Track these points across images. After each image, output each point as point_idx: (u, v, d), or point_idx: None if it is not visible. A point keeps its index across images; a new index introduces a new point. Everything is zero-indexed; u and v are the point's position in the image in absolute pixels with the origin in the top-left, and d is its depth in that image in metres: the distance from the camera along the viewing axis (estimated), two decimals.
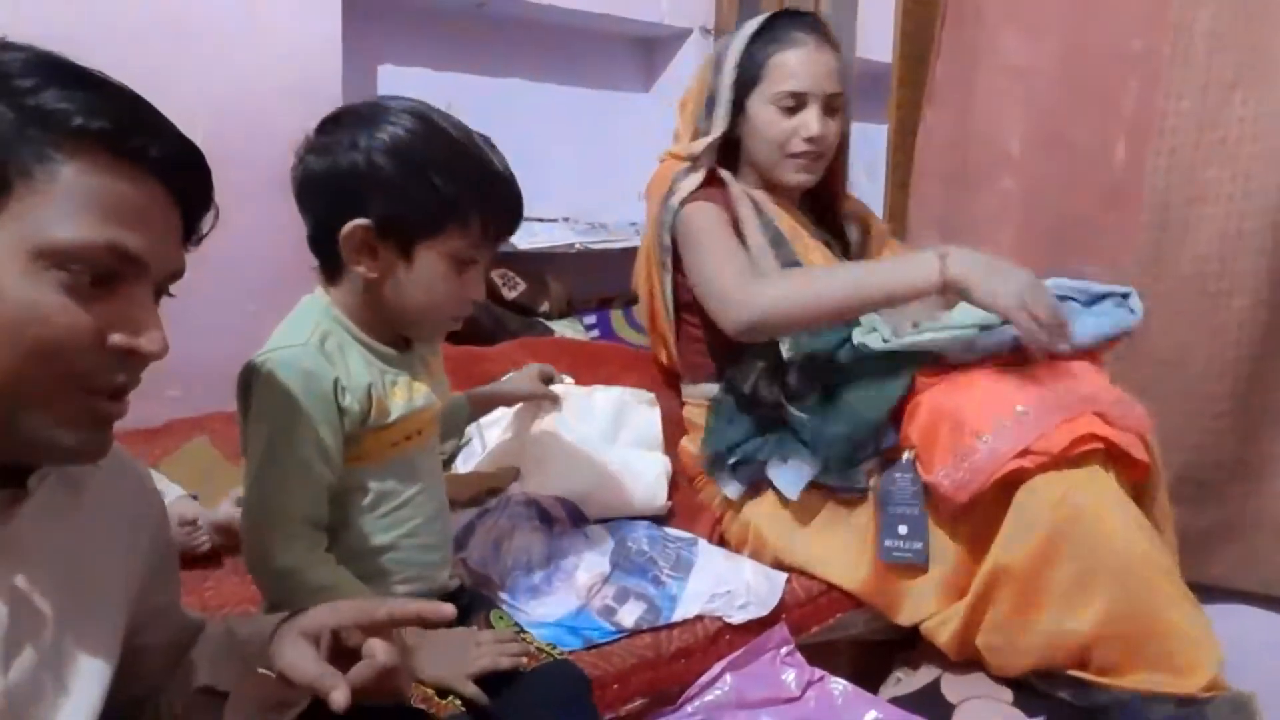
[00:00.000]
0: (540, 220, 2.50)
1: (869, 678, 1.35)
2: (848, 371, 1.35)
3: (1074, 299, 1.33)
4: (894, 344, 1.31)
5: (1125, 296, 1.33)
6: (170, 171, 0.70)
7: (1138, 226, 1.73)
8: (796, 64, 1.49)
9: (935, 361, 1.30)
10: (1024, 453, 1.18)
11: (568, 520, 1.30)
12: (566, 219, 2.58)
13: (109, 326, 0.68)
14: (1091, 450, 1.18)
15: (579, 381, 1.67)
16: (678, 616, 1.20)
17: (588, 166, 2.69)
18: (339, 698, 0.70)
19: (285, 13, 1.93)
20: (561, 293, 2.39)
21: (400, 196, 0.91)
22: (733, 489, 1.43)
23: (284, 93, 1.92)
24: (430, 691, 0.93)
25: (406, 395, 0.99)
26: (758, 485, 1.41)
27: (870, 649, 1.38)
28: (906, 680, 1.29)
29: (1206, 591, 1.23)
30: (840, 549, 1.33)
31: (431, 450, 1.08)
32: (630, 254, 2.46)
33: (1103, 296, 1.34)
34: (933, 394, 1.27)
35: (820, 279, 1.32)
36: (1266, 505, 1.65)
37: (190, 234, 0.75)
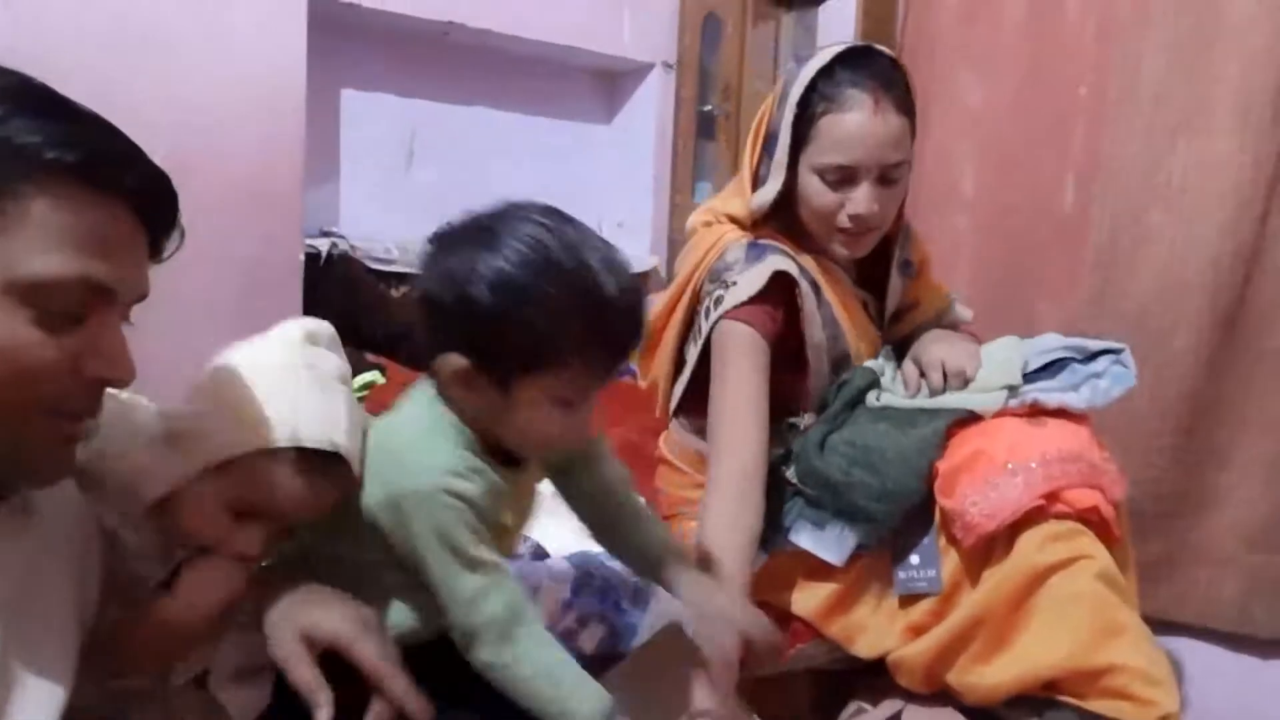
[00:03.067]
0: None
1: (828, 709, 1.37)
2: (867, 430, 1.32)
3: (1073, 359, 1.34)
4: (936, 403, 1.31)
5: (1118, 353, 1.33)
6: (140, 199, 0.70)
7: (1084, 265, 1.78)
8: (847, 132, 1.29)
9: (966, 416, 1.29)
10: (1050, 497, 1.19)
11: (528, 556, 1.30)
12: None
13: (81, 356, 0.69)
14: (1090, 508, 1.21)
15: None
16: (636, 643, 1.21)
17: (549, 196, 2.68)
18: (324, 716, 0.79)
19: (249, 34, 1.92)
20: None
21: (497, 334, 0.86)
22: (755, 561, 1.26)
23: (247, 113, 1.92)
24: None
25: (503, 517, 0.95)
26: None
27: (830, 679, 1.39)
28: (867, 714, 1.30)
29: (1149, 623, 1.26)
30: (799, 582, 1.34)
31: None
32: None
33: (1098, 354, 1.34)
34: (968, 435, 1.27)
35: (719, 541, 1.18)
36: (1206, 539, 1.70)
37: (155, 252, 0.75)
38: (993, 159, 1.95)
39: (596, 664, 1.19)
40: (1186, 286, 1.66)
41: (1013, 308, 1.86)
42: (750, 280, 1.32)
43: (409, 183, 2.50)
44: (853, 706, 1.35)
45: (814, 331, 1.37)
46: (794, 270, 1.35)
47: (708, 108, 2.70)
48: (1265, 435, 1.65)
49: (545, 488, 1.45)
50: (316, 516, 0.90)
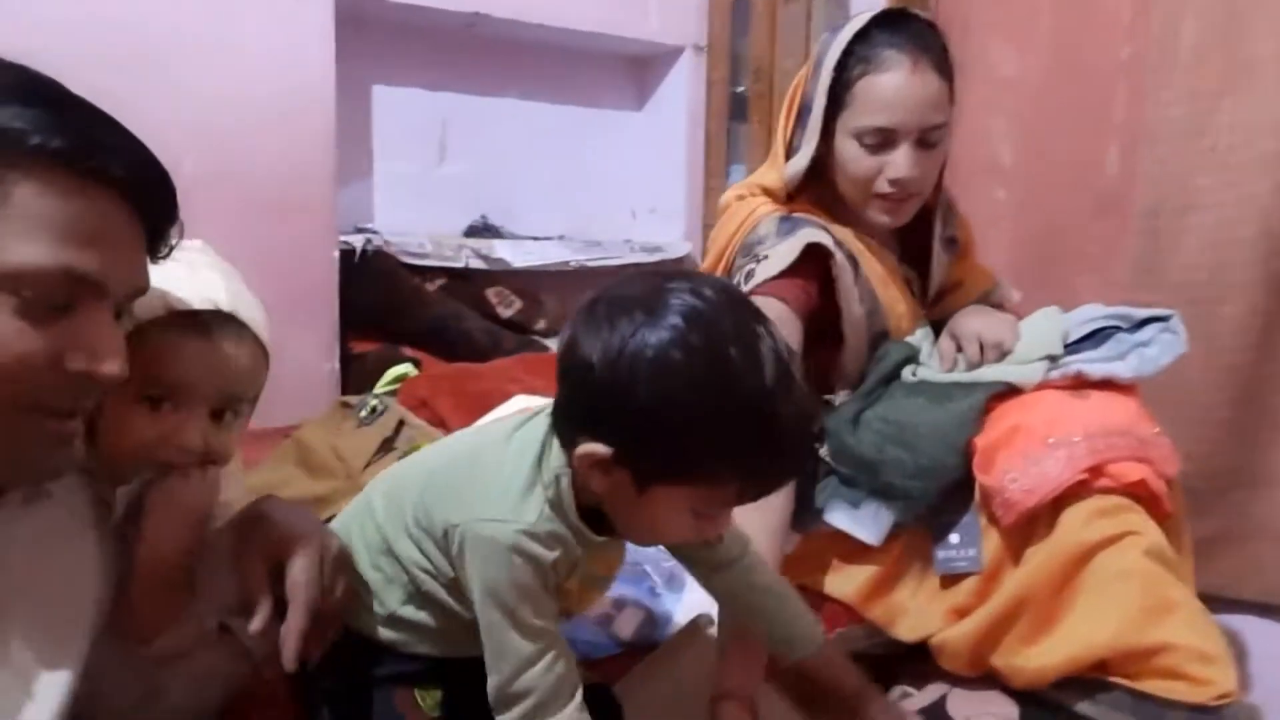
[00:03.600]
0: (534, 239, 2.51)
1: None
2: (902, 406, 1.29)
3: (1119, 326, 1.30)
4: (974, 376, 1.28)
5: (1166, 320, 1.28)
6: (131, 188, 0.69)
7: (1128, 235, 1.73)
8: (885, 93, 1.26)
9: (1004, 389, 1.26)
10: (1095, 472, 1.16)
11: None
12: (561, 237, 2.59)
13: (66, 350, 0.67)
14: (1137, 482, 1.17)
15: None
16: (673, 629, 1.20)
17: (581, 185, 2.71)
18: (256, 623, 0.82)
19: (279, 36, 1.94)
20: (557, 310, 2.40)
21: (652, 434, 0.77)
22: (789, 542, 1.28)
23: (278, 116, 1.94)
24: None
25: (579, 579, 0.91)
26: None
27: (870, 662, 1.36)
28: (912, 698, 1.28)
29: (1206, 600, 1.22)
30: (835, 564, 1.32)
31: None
32: (626, 271, 2.48)
33: (1145, 321, 1.29)
34: (1007, 409, 1.24)
35: (748, 521, 1.10)
36: (1266, 512, 1.64)
37: (156, 247, 0.74)
38: (1030, 130, 1.90)
39: (634, 649, 1.19)
40: (1236, 252, 1.60)
41: (1054, 281, 1.81)
42: (782, 253, 1.29)
43: (441, 176, 2.51)
44: (897, 691, 1.32)
45: (851, 306, 1.33)
46: (829, 242, 1.31)
47: (740, 89, 2.68)
48: None
49: None
50: (237, 386, 0.88)
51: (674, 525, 0.83)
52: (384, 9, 2.20)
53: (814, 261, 1.30)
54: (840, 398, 1.37)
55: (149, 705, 0.93)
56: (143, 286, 0.73)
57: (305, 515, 0.91)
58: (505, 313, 2.31)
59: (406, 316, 2.11)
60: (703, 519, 0.83)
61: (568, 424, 0.82)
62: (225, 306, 0.86)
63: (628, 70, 2.80)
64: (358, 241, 2.12)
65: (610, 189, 2.76)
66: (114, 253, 0.68)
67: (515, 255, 2.32)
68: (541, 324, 2.36)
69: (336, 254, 2.05)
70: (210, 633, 0.88)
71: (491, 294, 2.30)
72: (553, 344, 2.32)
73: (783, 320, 1.25)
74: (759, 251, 1.31)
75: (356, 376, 1.99)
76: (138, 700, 0.92)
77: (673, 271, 0.84)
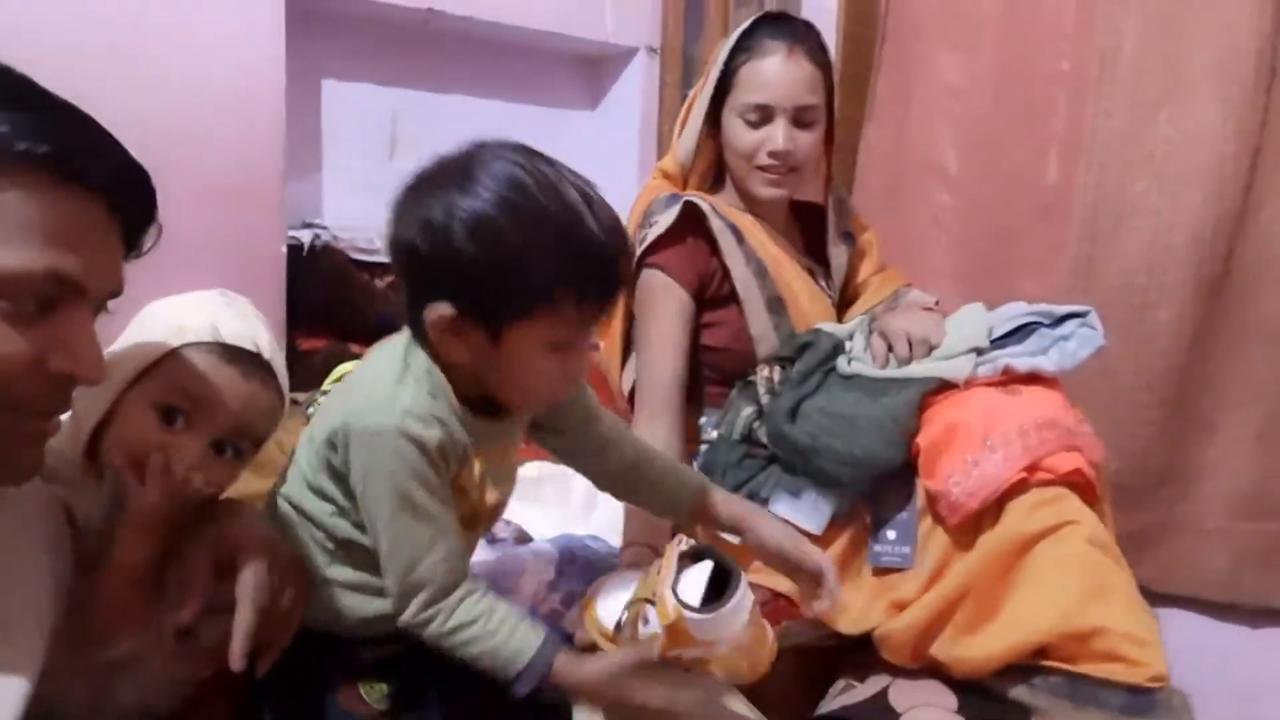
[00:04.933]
0: None
1: (815, 685, 1.36)
2: (841, 399, 1.35)
3: (1040, 322, 1.36)
4: (906, 372, 1.34)
5: (1084, 315, 1.35)
6: (113, 192, 0.70)
7: (1068, 240, 1.78)
8: (764, 75, 1.47)
9: (937, 386, 1.32)
10: (1031, 468, 1.20)
11: (510, 540, 1.29)
12: None
13: (48, 351, 0.68)
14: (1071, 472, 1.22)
15: None
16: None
17: None
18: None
19: (226, 26, 1.91)
20: None
21: (482, 281, 0.83)
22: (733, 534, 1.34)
23: (226, 107, 1.90)
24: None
25: (479, 477, 0.94)
26: None
27: (816, 656, 1.39)
28: (855, 689, 1.30)
29: None
30: None
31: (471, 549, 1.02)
32: None
33: (1065, 317, 1.36)
34: (942, 409, 1.29)
35: None
36: (1192, 509, 1.70)
37: (131, 248, 0.75)
38: (975, 137, 1.95)
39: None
40: (1171, 258, 1.66)
41: (997, 284, 1.85)
42: (666, 218, 1.47)
43: (392, 172, 2.47)
44: (840, 684, 1.35)
45: (737, 266, 1.48)
46: (706, 208, 1.48)
47: (691, 92, 2.69)
48: (1251, 404, 1.65)
49: (526, 472, 1.45)
50: (251, 423, 0.92)
51: (539, 369, 0.88)
52: (336, 3, 2.18)
53: (698, 228, 1.48)
54: (762, 374, 1.44)
55: (100, 707, 0.92)
56: (118, 287, 0.74)
57: (260, 523, 0.92)
58: None
59: (355, 312, 2.09)
60: (563, 355, 0.88)
61: (413, 307, 0.88)
62: (265, 353, 0.94)
63: (581, 70, 2.80)
64: (306, 236, 2.09)
65: None
66: (95, 255, 0.69)
67: None
68: None
69: (284, 248, 2.02)
70: (168, 637, 0.87)
71: None
72: None
73: (666, 288, 1.46)
74: (649, 221, 1.50)
75: (304, 373, 1.96)
76: (88, 701, 0.91)
77: (475, 140, 0.91)
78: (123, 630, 0.84)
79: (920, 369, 1.34)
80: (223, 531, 0.87)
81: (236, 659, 0.81)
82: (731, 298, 1.50)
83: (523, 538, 1.31)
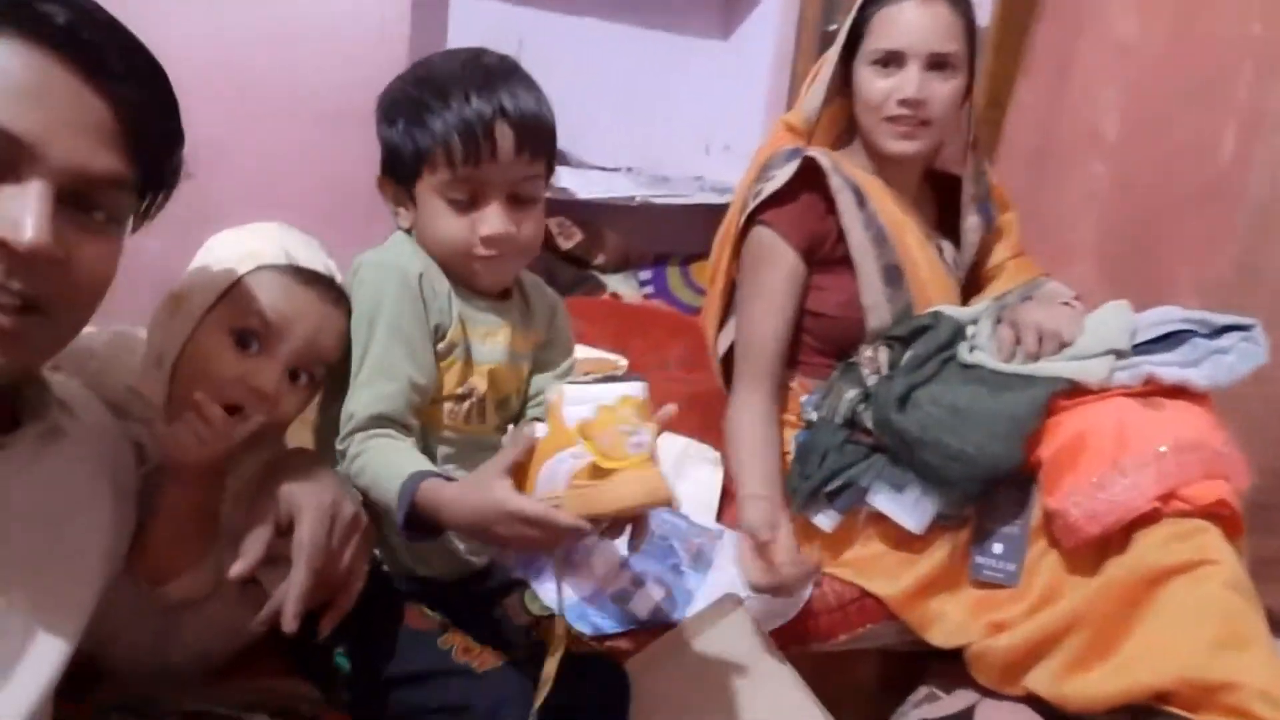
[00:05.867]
0: (601, 169, 2.42)
1: (896, 688, 1.30)
2: (957, 390, 1.25)
3: (1194, 331, 1.21)
4: (1034, 369, 1.22)
5: (1248, 330, 1.21)
6: (80, 50, 0.63)
7: (1236, 228, 1.60)
8: (896, 19, 1.35)
9: (1070, 386, 1.20)
10: (1167, 496, 1.10)
11: None
12: (629, 169, 2.50)
13: None
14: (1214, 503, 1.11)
15: (623, 348, 1.62)
16: (693, 611, 1.16)
17: (656, 115, 2.60)
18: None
19: None
20: (618, 246, 2.33)
21: (390, 149, 0.97)
22: (827, 519, 1.29)
23: (352, 27, 1.88)
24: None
25: (488, 340, 0.99)
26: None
27: (900, 657, 1.32)
28: (939, 702, 1.23)
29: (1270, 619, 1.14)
30: (880, 555, 1.27)
31: (489, 441, 1.02)
32: (693, 211, 2.39)
33: (1225, 329, 1.21)
34: (1071, 416, 1.18)
35: (740, 453, 1.34)
36: None
37: (141, 139, 0.67)
38: (1141, 102, 1.76)
39: (649, 628, 1.16)
40: None
41: (1146, 272, 1.69)
42: (784, 173, 1.37)
43: None
44: (923, 691, 1.27)
45: (854, 229, 1.37)
46: (827, 165, 1.37)
47: (832, 28, 2.53)
48: None
49: None
50: (325, 347, 0.92)
51: (444, 226, 0.95)
52: None
53: (816, 185, 1.38)
54: (866, 354, 1.34)
55: (162, 647, 0.93)
56: (101, 172, 0.65)
57: (326, 474, 0.89)
58: (565, 245, 2.24)
59: None
60: (467, 215, 0.94)
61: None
62: (337, 277, 0.95)
63: None
64: None
65: (685, 121, 2.65)
66: (54, 119, 0.62)
67: (580, 185, 2.24)
68: (601, 259, 2.29)
69: None
70: (229, 582, 0.86)
71: (552, 224, 2.23)
72: (611, 281, 2.26)
73: (774, 249, 1.38)
74: (765, 176, 1.41)
75: None
76: (150, 642, 0.92)
77: None
78: (180, 573, 0.84)
79: (1050, 367, 1.22)
80: (285, 486, 0.84)
81: (289, 620, 0.79)
82: (845, 262, 1.39)
83: None
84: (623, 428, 0.79)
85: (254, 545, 0.82)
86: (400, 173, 0.97)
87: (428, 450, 0.98)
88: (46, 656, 0.72)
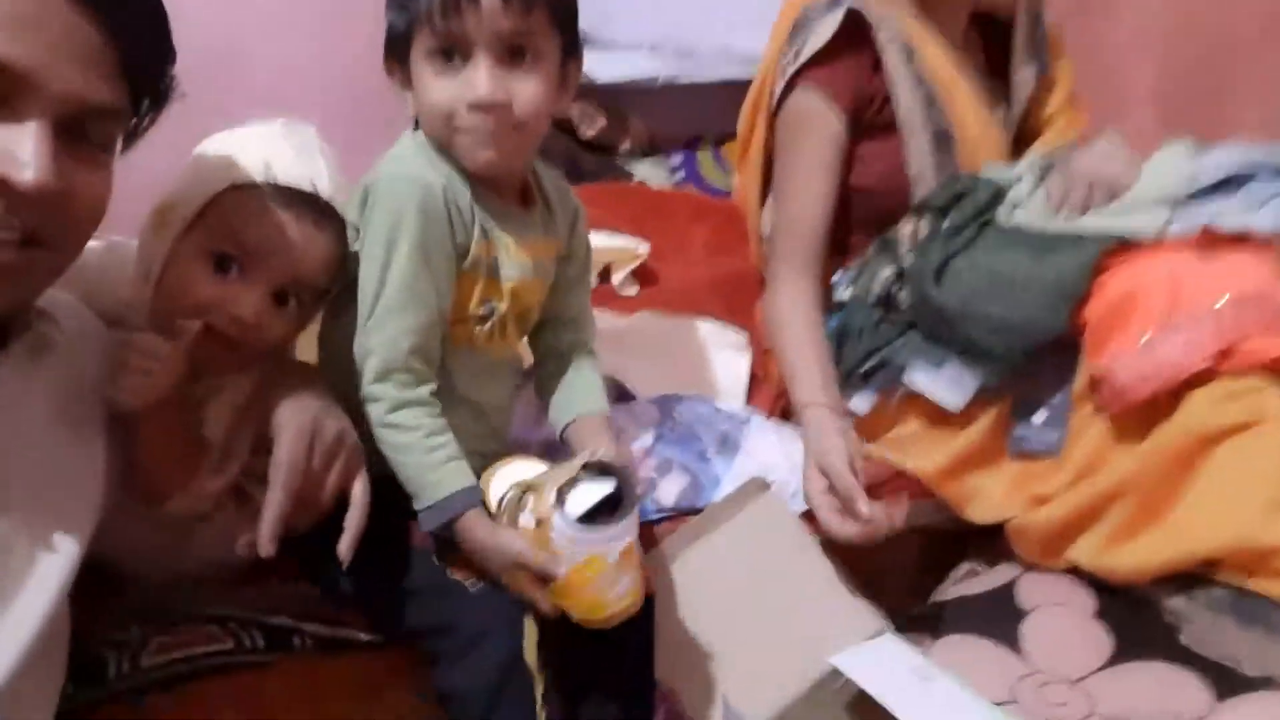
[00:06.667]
0: (621, 48, 2.30)
1: (937, 567, 1.25)
2: (998, 256, 1.16)
3: (1256, 175, 1.08)
4: (1081, 227, 1.13)
5: None
6: None
7: None
8: None
9: (1117, 245, 1.10)
10: (1223, 353, 1.01)
11: (612, 397, 1.20)
12: (652, 47, 2.38)
13: None
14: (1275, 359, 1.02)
15: (645, 234, 1.56)
16: (719, 497, 1.12)
17: None
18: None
19: None
20: (644, 130, 2.23)
21: (388, 24, 0.92)
22: (863, 401, 1.24)
23: None
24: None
25: (513, 254, 0.95)
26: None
27: (940, 539, 1.27)
28: (980, 578, 1.19)
29: None
30: (916, 433, 1.21)
31: (509, 357, 1.01)
32: (723, 88, 2.27)
33: None
34: (1120, 274, 1.08)
35: (789, 352, 1.23)
36: None
37: (134, 63, 0.66)
38: None
39: (676, 516, 1.12)
40: None
41: (1209, 114, 1.57)
42: (826, 26, 1.24)
43: None
44: (964, 568, 1.23)
45: (904, 89, 1.25)
46: (873, 16, 1.24)
47: None
48: None
49: (628, 321, 1.35)
50: (310, 271, 0.87)
51: (431, 86, 0.90)
52: None
53: (861, 41, 1.25)
54: (905, 228, 1.24)
55: (175, 557, 0.93)
56: (98, 102, 0.64)
57: (311, 393, 0.86)
58: (587, 132, 2.15)
59: None
60: (453, 77, 0.89)
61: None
62: (324, 192, 0.87)
63: None
64: None
65: None
66: (48, 48, 0.60)
67: (598, 67, 2.13)
68: (626, 145, 2.19)
69: None
70: (228, 496, 0.86)
71: (573, 111, 2.14)
72: (638, 168, 2.18)
73: (820, 114, 1.25)
74: (801, 33, 1.28)
75: None
76: (163, 552, 0.93)
77: None
78: (176, 490, 0.83)
79: (1099, 223, 1.12)
80: (269, 406, 0.82)
81: (264, 543, 0.78)
82: (889, 129, 1.28)
83: (623, 394, 1.23)
84: (604, 580, 0.84)
85: (229, 467, 0.81)
86: (398, 49, 0.92)
87: (448, 369, 0.94)
88: (54, 566, 0.72)
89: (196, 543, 0.91)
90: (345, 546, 0.83)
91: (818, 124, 1.26)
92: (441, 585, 0.90)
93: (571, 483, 0.84)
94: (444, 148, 0.93)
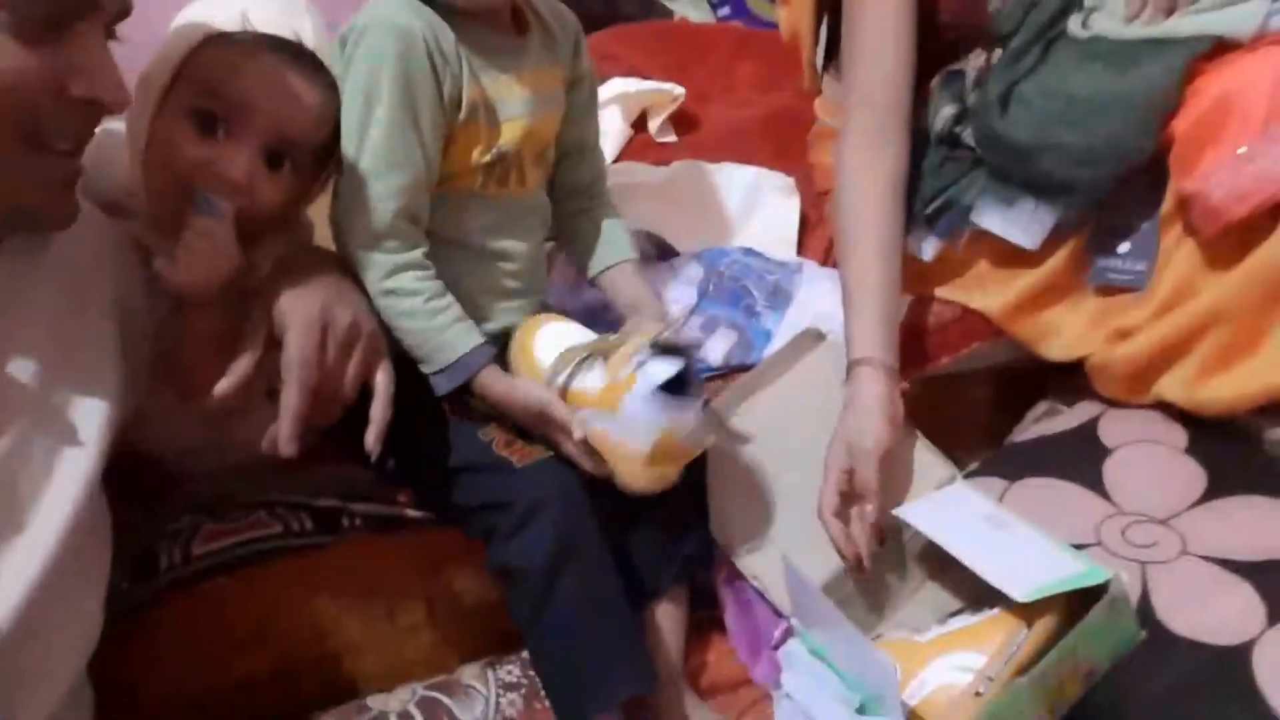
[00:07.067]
0: None
1: (1015, 406, 1.18)
2: (1073, 75, 1.03)
3: None
4: (1168, 29, 0.99)
5: None
6: None
7: None
8: None
9: (1211, 47, 0.97)
10: None
11: (655, 255, 1.14)
12: None
13: (65, 73, 0.63)
14: None
15: (686, 75, 1.45)
16: (770, 353, 1.06)
17: None
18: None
19: None
20: None
21: None
22: (929, 246, 1.12)
23: None
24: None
25: (512, 91, 0.88)
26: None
27: (1017, 375, 1.19)
28: (1060, 416, 1.11)
29: None
30: (984, 272, 1.11)
31: (533, 201, 0.96)
32: None
33: None
34: (1215, 77, 0.96)
35: (853, 260, 1.03)
36: None
37: None
38: None
39: (725, 374, 1.08)
40: None
41: None
42: None
43: None
44: (1042, 406, 1.15)
45: None
46: None
47: None
48: None
49: (668, 172, 1.27)
50: (298, 124, 0.82)
51: None
52: None
53: None
54: (973, 60, 1.10)
55: (218, 449, 0.93)
56: (129, 6, 0.67)
57: (319, 280, 0.81)
58: None
59: None
60: None
61: None
62: (308, 41, 0.83)
63: None
64: None
65: None
66: None
67: None
68: None
69: None
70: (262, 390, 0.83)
71: None
72: (678, 5, 2.04)
73: None
74: None
75: None
76: (205, 445, 0.92)
77: None
78: (210, 390, 0.79)
79: (1189, 23, 0.99)
80: (276, 297, 0.78)
81: (284, 443, 0.75)
82: None
83: (666, 251, 1.16)
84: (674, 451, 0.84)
85: (240, 366, 0.77)
86: None
87: (464, 222, 0.90)
88: (79, 458, 0.72)
89: (235, 436, 0.90)
90: (372, 439, 0.80)
91: None
92: (489, 462, 0.87)
93: (644, 357, 0.81)
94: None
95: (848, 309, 1.01)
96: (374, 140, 0.83)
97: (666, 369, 0.80)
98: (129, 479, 0.85)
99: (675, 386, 0.81)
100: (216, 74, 0.79)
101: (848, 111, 1.09)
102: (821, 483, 0.96)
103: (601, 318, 1.02)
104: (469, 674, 0.94)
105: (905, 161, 1.06)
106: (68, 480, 0.70)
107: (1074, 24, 1.06)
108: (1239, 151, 0.91)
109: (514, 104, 0.89)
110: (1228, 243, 0.95)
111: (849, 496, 0.95)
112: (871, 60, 1.07)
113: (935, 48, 1.12)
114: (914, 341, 1.13)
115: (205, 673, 0.88)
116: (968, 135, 1.08)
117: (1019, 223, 1.06)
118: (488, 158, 0.88)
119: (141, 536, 0.89)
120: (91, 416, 0.73)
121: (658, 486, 0.85)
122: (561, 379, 0.85)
